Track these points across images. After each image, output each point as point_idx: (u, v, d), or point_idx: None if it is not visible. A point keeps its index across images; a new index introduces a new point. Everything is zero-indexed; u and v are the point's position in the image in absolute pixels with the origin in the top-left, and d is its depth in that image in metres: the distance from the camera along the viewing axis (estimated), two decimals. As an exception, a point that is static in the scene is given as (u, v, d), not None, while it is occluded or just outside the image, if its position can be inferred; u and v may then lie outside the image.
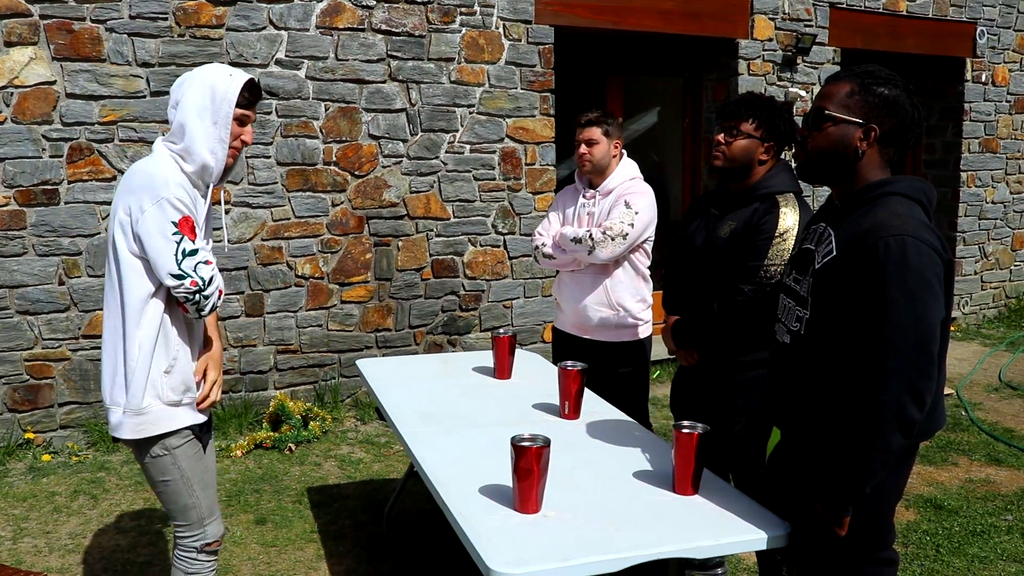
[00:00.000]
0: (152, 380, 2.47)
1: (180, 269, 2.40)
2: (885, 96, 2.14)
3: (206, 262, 2.45)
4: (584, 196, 3.91)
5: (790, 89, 7.21)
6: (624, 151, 3.93)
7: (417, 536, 4.03)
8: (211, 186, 2.58)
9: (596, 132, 3.79)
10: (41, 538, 4.02)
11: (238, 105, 2.50)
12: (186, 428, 2.57)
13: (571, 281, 3.91)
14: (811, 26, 7.27)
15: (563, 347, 3.99)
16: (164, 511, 2.64)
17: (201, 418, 2.64)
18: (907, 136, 2.18)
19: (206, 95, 2.47)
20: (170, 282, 2.40)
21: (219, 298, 2.53)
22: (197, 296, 2.44)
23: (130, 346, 2.46)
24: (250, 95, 2.54)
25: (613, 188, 3.84)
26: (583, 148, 3.82)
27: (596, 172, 3.86)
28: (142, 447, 2.54)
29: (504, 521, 2.22)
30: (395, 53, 5.80)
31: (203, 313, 2.50)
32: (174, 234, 2.39)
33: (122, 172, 5.21)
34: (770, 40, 7.11)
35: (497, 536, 2.13)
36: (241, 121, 2.54)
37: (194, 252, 2.42)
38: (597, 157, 3.81)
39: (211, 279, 2.47)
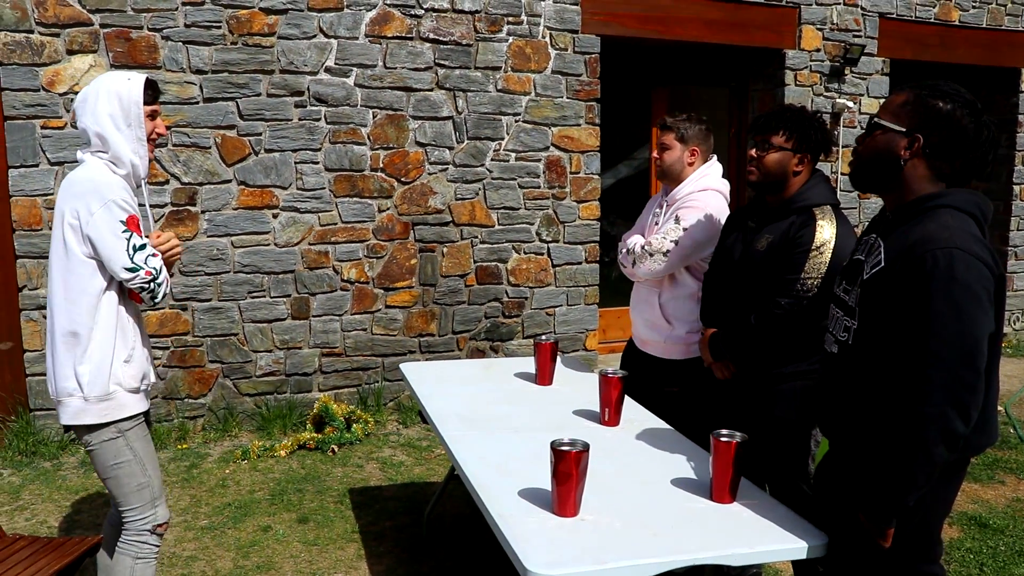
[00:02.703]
0: (115, 369, 2.65)
1: (133, 263, 2.58)
2: (937, 109, 2.12)
3: (154, 254, 2.65)
4: (658, 205, 3.76)
5: (837, 100, 7.15)
6: (714, 156, 3.71)
7: (456, 539, 4.07)
8: (140, 185, 2.78)
9: (670, 137, 3.61)
10: (92, 530, 4.13)
11: (145, 103, 2.70)
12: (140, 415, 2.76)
13: (635, 291, 3.80)
14: (860, 36, 7.22)
15: (629, 358, 3.84)
16: (113, 498, 2.81)
17: (147, 405, 2.81)
18: (964, 153, 2.14)
19: (115, 103, 2.65)
20: (125, 275, 2.59)
21: (167, 286, 2.73)
22: (151, 284, 2.64)
23: (90, 340, 2.62)
24: (152, 91, 2.74)
25: (679, 198, 3.62)
26: (655, 152, 3.67)
27: (669, 178, 3.67)
28: (96, 432, 2.67)
29: (542, 524, 2.25)
30: (442, 61, 5.88)
31: (157, 300, 2.70)
32: (123, 232, 2.58)
33: (174, 176, 5.35)
34: (818, 50, 7.07)
35: (535, 538, 2.16)
36: (151, 116, 2.74)
37: (143, 247, 2.62)
38: (667, 163, 3.62)
39: (160, 269, 2.66)
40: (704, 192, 3.61)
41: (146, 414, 2.81)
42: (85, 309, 2.62)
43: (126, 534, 2.75)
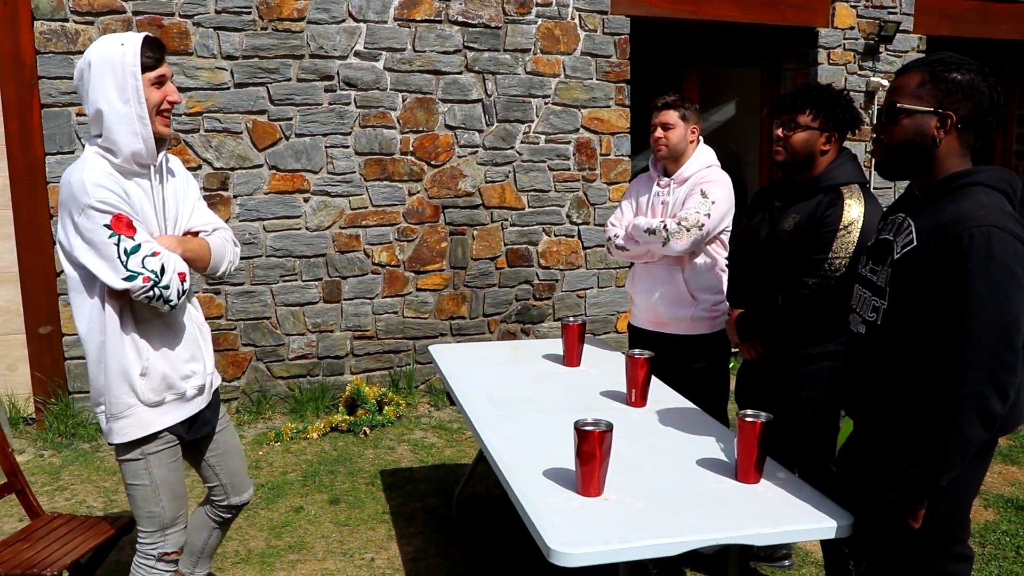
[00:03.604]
0: (131, 383, 2.40)
1: (128, 270, 2.27)
2: (958, 81, 2.10)
3: (153, 254, 2.31)
4: (659, 184, 3.77)
5: (871, 79, 7.04)
6: (701, 138, 3.79)
7: (485, 520, 4.10)
8: (156, 162, 2.43)
9: (673, 115, 3.65)
10: (127, 508, 4.21)
11: (146, 69, 2.31)
12: (167, 432, 2.51)
13: (645, 273, 3.79)
14: (895, 13, 7.08)
15: (638, 343, 3.80)
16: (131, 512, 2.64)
17: (185, 414, 2.56)
18: (987, 120, 2.12)
19: (106, 75, 2.27)
20: (122, 285, 2.28)
21: (183, 282, 2.39)
22: (155, 290, 2.31)
23: (101, 356, 2.39)
24: (153, 52, 2.33)
25: (689, 176, 3.68)
26: (659, 132, 3.67)
27: (672, 158, 3.71)
28: (123, 450, 2.49)
29: (566, 503, 2.26)
30: (471, 44, 5.87)
31: (172, 304, 2.37)
32: (110, 237, 2.25)
33: (207, 161, 5.41)
34: (851, 28, 6.96)
35: (559, 517, 2.17)
36: (158, 83, 2.35)
37: (136, 248, 2.28)
38: (673, 142, 3.66)
39: (162, 268, 2.32)
40: (712, 168, 3.72)
41: (192, 420, 2.60)
42: (89, 326, 2.38)
43: (138, 555, 2.59)
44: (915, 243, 2.11)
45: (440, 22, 5.78)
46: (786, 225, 3.04)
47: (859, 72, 7.04)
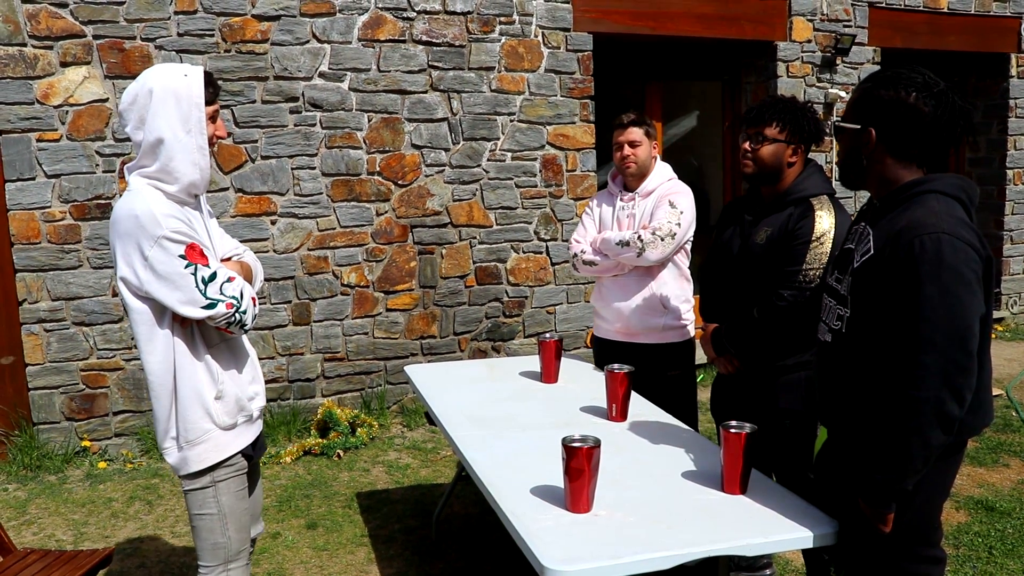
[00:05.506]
0: (206, 407, 2.37)
1: (208, 298, 2.27)
2: (881, 98, 2.17)
3: (228, 279, 2.32)
4: (621, 199, 3.88)
5: (830, 90, 7.17)
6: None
7: (465, 539, 4.08)
8: (199, 196, 2.44)
9: (638, 133, 3.77)
10: (100, 542, 4.13)
11: (205, 103, 2.32)
12: (239, 456, 2.48)
13: (614, 286, 3.86)
14: (850, 26, 7.23)
15: (606, 354, 3.90)
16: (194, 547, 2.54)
17: (253, 435, 2.54)
18: (925, 133, 2.15)
19: (170, 104, 2.26)
20: (202, 314, 2.27)
21: (255, 306, 2.41)
22: (236, 315, 2.32)
23: (175, 386, 2.35)
24: (212, 88, 2.36)
25: (653, 189, 3.81)
26: (627, 149, 3.78)
27: (641, 174, 3.83)
28: (192, 478, 2.43)
29: (556, 520, 2.26)
30: (436, 63, 5.88)
31: (246, 328, 2.39)
32: (187, 267, 2.24)
33: (172, 186, 5.34)
34: (809, 42, 7.08)
35: (550, 535, 2.17)
36: (212, 118, 2.36)
37: (213, 276, 2.29)
38: (641, 158, 3.78)
39: (241, 293, 2.34)
40: (674, 181, 3.87)
41: (254, 444, 2.55)
42: (163, 357, 2.32)
43: None
44: (872, 251, 2.16)
45: (404, 42, 5.79)
46: (758, 238, 3.06)
47: (817, 84, 7.17)
